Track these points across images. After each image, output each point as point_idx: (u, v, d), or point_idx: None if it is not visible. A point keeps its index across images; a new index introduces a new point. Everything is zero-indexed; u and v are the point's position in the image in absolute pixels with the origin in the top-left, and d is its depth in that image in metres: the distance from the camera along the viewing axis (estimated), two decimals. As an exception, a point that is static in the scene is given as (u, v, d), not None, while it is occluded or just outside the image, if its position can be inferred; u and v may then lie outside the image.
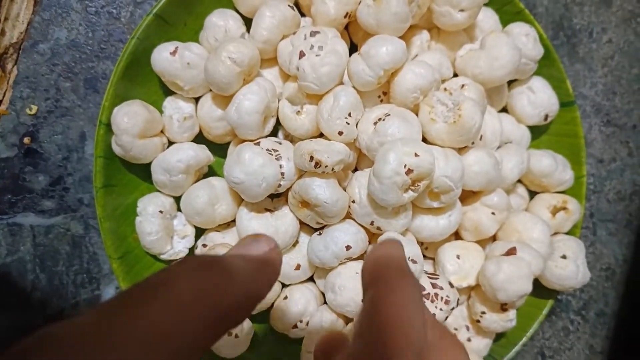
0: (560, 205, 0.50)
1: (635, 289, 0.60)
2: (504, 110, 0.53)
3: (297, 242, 0.46)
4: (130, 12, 0.49)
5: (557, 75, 0.52)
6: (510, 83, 0.52)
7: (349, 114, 0.42)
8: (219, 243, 0.44)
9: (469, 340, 0.49)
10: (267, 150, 0.42)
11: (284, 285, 0.47)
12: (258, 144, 0.43)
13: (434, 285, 0.42)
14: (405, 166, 0.38)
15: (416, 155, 0.38)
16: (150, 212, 0.44)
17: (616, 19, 0.60)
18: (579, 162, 0.52)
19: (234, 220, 0.45)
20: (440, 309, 0.42)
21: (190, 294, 0.17)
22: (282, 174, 0.42)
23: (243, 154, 0.41)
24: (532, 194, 0.52)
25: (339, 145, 0.42)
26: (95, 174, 0.42)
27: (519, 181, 0.52)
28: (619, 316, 0.60)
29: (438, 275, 0.43)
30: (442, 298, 0.42)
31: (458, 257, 0.46)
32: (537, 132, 0.53)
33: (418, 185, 0.40)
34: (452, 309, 0.43)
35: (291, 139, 0.46)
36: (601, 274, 0.60)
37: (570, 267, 0.47)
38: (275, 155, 0.42)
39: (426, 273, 0.43)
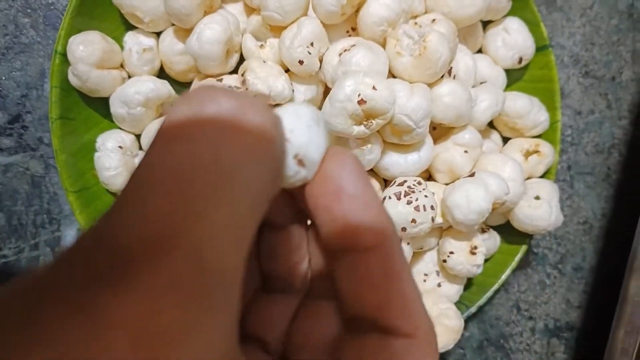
0: (533, 148, 0.49)
1: (613, 244, 0.59)
2: (480, 52, 0.51)
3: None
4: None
5: (531, 19, 0.50)
6: (486, 24, 0.51)
7: (312, 44, 0.41)
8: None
9: (439, 285, 0.48)
10: (229, 86, 0.41)
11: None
12: (220, 80, 0.42)
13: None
14: (359, 95, 0.37)
15: (374, 88, 0.37)
16: (109, 147, 0.43)
17: (595, -31, 0.59)
18: (553, 107, 0.50)
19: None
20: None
21: None
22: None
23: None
24: (505, 141, 0.51)
25: (282, 82, 0.41)
26: (51, 105, 0.41)
27: (493, 127, 0.51)
28: (596, 271, 0.59)
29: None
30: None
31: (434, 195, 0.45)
32: (512, 79, 0.52)
33: (371, 122, 0.39)
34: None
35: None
36: (579, 227, 0.59)
37: (544, 207, 0.46)
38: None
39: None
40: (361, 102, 0.37)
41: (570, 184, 0.59)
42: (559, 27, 0.58)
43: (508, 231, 0.50)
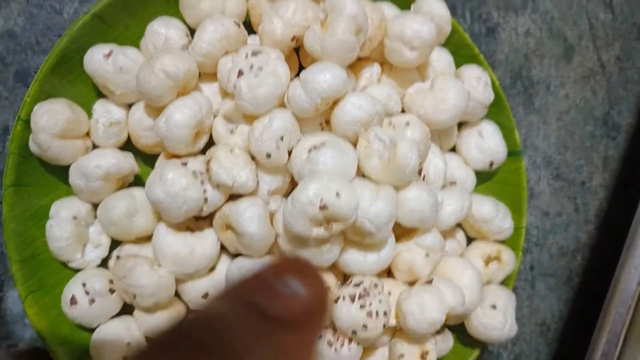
0: (495, 255, 0.49)
1: (569, 347, 0.59)
2: (453, 149, 0.52)
3: (214, 268, 0.44)
4: (74, 9, 0.47)
5: (507, 124, 0.51)
6: (462, 123, 0.51)
7: (281, 138, 0.40)
8: (133, 255, 0.42)
9: (388, 385, 0.47)
10: (194, 172, 0.41)
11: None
12: (185, 164, 0.41)
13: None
14: (321, 200, 0.36)
15: (337, 195, 0.37)
16: (62, 217, 0.41)
17: (575, 75, 0.60)
18: (519, 213, 0.51)
19: (151, 237, 0.43)
20: None
21: None
22: (206, 199, 0.40)
23: (166, 173, 0.39)
24: (469, 240, 0.51)
25: (247, 173, 0.40)
26: (6, 171, 0.40)
27: (459, 225, 0.51)
28: (550, 374, 0.59)
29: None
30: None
31: (388, 294, 0.45)
32: (483, 178, 0.52)
33: (331, 226, 0.38)
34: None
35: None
36: (535, 328, 0.59)
37: (498, 318, 0.46)
38: (201, 179, 0.41)
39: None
40: (323, 207, 0.37)
41: (532, 284, 0.58)
42: (535, 128, 0.59)
43: (463, 331, 0.49)
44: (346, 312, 0.41)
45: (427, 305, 0.41)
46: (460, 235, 0.51)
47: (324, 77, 0.40)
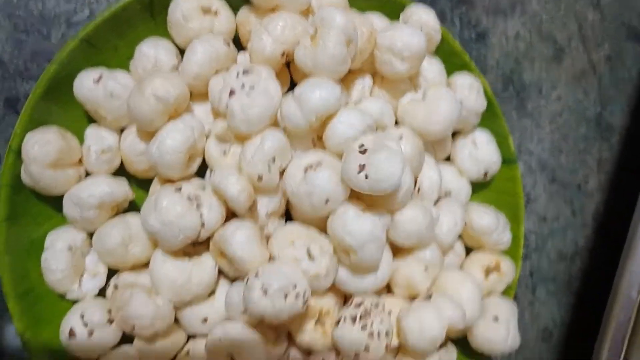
0: (494, 266, 0.48)
1: (573, 353, 0.59)
2: (448, 158, 0.51)
3: (212, 292, 0.44)
4: (62, 34, 0.46)
5: (500, 131, 0.51)
6: (456, 133, 0.51)
7: (273, 159, 0.40)
8: (130, 284, 0.41)
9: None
10: (188, 196, 0.40)
11: (189, 338, 0.44)
12: (179, 189, 0.41)
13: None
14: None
15: None
16: (58, 248, 0.41)
17: (566, 77, 0.60)
18: (517, 221, 0.50)
19: (148, 263, 0.42)
20: None
21: None
22: (203, 224, 0.40)
23: (160, 200, 0.39)
24: (468, 249, 0.51)
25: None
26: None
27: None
28: (554, 379, 0.59)
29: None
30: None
31: (389, 313, 0.45)
32: (479, 187, 0.52)
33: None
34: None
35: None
36: (538, 334, 0.59)
37: (501, 330, 0.46)
38: (197, 203, 0.40)
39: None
40: None
41: (532, 290, 0.58)
42: (529, 133, 0.58)
43: (467, 343, 0.49)
44: (348, 333, 0.40)
45: (426, 323, 0.41)
46: (458, 247, 0.50)
47: (319, 94, 0.39)
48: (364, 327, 0.40)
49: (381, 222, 0.40)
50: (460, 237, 0.51)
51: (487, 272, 0.48)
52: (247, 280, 0.38)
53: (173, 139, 0.39)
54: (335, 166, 0.40)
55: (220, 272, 0.44)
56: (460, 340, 0.49)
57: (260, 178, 0.40)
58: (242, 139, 0.41)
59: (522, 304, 0.57)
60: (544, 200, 0.59)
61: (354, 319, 0.41)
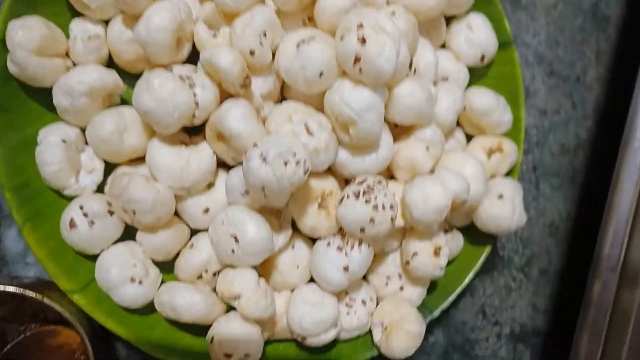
0: (496, 147, 0.48)
1: (579, 246, 0.58)
2: (443, 46, 0.50)
3: (211, 184, 0.43)
4: None
5: (495, 15, 0.50)
6: (450, 20, 0.50)
7: (264, 34, 0.39)
8: (127, 172, 0.40)
9: (401, 289, 0.47)
10: (180, 76, 0.39)
11: (192, 233, 0.44)
12: (171, 69, 0.40)
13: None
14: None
15: None
16: (51, 141, 0.40)
17: (559, -31, 0.59)
18: (517, 105, 0.49)
19: (145, 157, 0.41)
20: None
21: None
22: (197, 103, 0.39)
23: (152, 79, 0.38)
24: (469, 138, 0.50)
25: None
26: (-14, 95, 0.39)
27: (457, 124, 0.50)
28: (562, 274, 0.59)
29: None
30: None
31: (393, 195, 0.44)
32: (477, 76, 0.51)
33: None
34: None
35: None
36: (544, 230, 0.58)
37: (507, 207, 0.45)
38: (189, 83, 0.39)
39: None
40: None
41: (536, 185, 0.58)
42: (524, 25, 0.57)
43: (472, 233, 0.49)
44: (352, 209, 0.40)
45: (430, 193, 0.40)
46: (459, 134, 0.50)
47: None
48: (367, 201, 0.40)
49: (379, 93, 0.39)
50: (460, 125, 0.50)
51: (490, 153, 0.48)
52: (246, 152, 0.37)
53: (160, 17, 0.38)
54: (328, 41, 0.39)
55: (219, 165, 0.43)
56: (466, 231, 0.49)
57: (252, 52, 0.39)
58: (230, 18, 0.40)
59: (526, 199, 0.56)
60: (544, 93, 0.58)
61: (357, 195, 0.40)
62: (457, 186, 0.42)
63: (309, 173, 0.38)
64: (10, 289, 0.38)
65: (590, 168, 0.59)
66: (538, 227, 0.58)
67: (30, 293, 0.38)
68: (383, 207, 0.40)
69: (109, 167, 0.43)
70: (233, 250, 0.40)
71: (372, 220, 0.39)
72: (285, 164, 0.36)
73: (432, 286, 0.48)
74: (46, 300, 0.38)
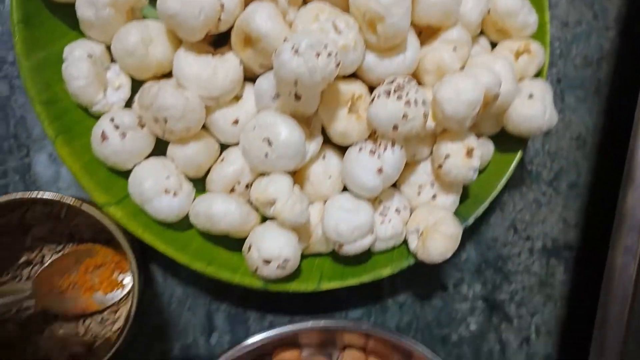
0: (523, 48, 0.47)
1: (607, 159, 0.58)
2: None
3: (239, 97, 0.43)
4: None
5: None
6: None
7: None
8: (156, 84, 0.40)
9: (434, 197, 0.46)
10: None
11: (222, 149, 0.44)
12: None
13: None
14: None
15: None
16: (77, 56, 0.40)
17: None
18: (541, 8, 0.49)
19: (171, 73, 0.41)
20: None
21: None
22: (222, 5, 0.39)
23: None
24: (493, 47, 0.49)
25: None
26: (12, 9, 0.38)
27: (481, 32, 0.49)
28: (592, 187, 0.58)
29: None
30: None
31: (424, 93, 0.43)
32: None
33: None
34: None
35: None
36: (572, 143, 0.57)
37: (537, 106, 0.45)
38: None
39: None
40: None
41: (561, 97, 0.57)
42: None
43: (501, 141, 0.48)
44: (383, 107, 0.39)
45: (462, 87, 0.40)
46: (483, 41, 0.49)
47: None
48: (399, 98, 0.39)
49: None
50: (483, 33, 0.49)
51: (517, 55, 0.47)
52: (276, 50, 0.37)
53: None
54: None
55: (246, 79, 0.43)
56: (496, 139, 0.48)
57: None
58: None
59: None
60: (565, 4, 0.57)
61: (388, 93, 0.40)
62: (489, 79, 0.41)
63: (338, 74, 0.38)
64: (48, 195, 0.38)
65: (614, 79, 0.58)
66: (565, 140, 0.57)
67: (68, 200, 0.38)
68: (415, 102, 0.39)
69: (135, 87, 0.42)
70: (267, 154, 0.39)
71: (405, 116, 0.39)
72: (317, 55, 0.35)
73: (464, 195, 0.48)
74: (84, 207, 0.38)
